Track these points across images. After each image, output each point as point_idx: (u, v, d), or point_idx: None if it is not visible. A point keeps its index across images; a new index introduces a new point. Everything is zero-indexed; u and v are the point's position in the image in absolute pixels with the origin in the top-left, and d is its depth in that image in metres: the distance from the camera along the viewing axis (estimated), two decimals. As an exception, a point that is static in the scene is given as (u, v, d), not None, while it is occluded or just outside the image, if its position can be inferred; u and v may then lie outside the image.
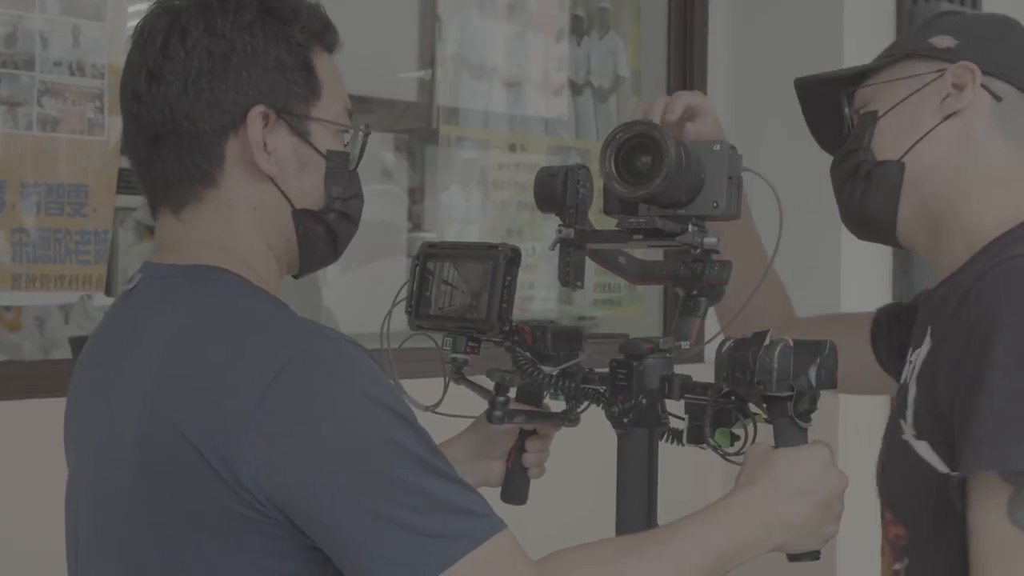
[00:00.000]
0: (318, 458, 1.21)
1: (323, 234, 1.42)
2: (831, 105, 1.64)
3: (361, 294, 3.37)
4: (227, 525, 1.24)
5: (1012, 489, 1.32)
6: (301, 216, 1.39)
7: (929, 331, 1.49)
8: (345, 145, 1.43)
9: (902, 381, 1.54)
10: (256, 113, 1.33)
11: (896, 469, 1.50)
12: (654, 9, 3.09)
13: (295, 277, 1.48)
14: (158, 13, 1.36)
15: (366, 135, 1.45)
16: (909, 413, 1.46)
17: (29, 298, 2.76)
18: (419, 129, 3.52)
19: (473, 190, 3.54)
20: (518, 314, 1.59)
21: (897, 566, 1.52)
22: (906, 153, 1.53)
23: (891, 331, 1.75)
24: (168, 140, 1.33)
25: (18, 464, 2.44)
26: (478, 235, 3.54)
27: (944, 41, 1.54)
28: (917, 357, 1.49)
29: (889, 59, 1.58)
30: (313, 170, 1.39)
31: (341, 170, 1.42)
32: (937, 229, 1.55)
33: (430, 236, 3.52)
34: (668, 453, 1.56)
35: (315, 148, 1.38)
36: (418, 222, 3.63)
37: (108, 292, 2.85)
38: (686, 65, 3.11)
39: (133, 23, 2.79)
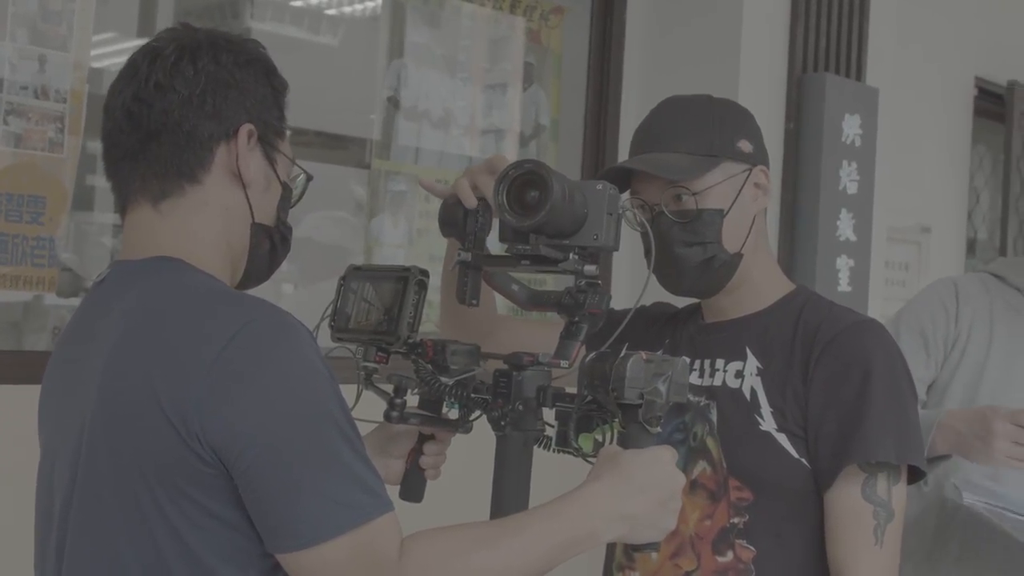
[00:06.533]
0: (264, 416, 1.28)
1: (267, 250, 1.51)
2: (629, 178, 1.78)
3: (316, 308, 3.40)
4: (174, 471, 1.29)
5: (865, 475, 1.67)
6: (257, 228, 1.49)
7: (748, 350, 1.78)
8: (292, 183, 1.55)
9: (720, 384, 1.77)
10: (246, 129, 1.44)
11: (751, 450, 1.73)
12: (574, 66, 3.17)
13: None
14: (172, 38, 1.46)
15: (308, 180, 1.58)
16: (765, 413, 1.73)
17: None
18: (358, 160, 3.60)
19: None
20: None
21: (736, 519, 1.74)
22: (743, 245, 1.76)
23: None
24: (164, 139, 1.42)
25: None
26: (404, 259, 3.53)
27: (746, 146, 1.77)
28: (743, 368, 1.76)
29: (714, 160, 1.74)
30: (273, 193, 1.50)
31: (287, 201, 1.54)
32: (733, 288, 1.81)
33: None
34: (555, 457, 1.60)
35: (277, 175, 1.50)
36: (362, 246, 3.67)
37: (58, 293, 2.89)
38: (600, 116, 3.18)
39: (96, 53, 2.89)
